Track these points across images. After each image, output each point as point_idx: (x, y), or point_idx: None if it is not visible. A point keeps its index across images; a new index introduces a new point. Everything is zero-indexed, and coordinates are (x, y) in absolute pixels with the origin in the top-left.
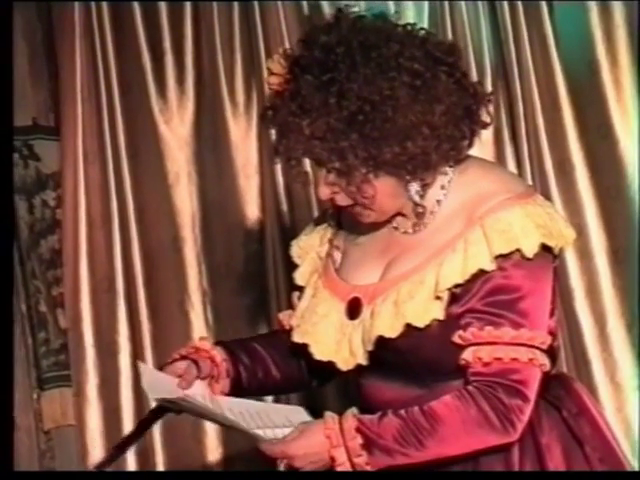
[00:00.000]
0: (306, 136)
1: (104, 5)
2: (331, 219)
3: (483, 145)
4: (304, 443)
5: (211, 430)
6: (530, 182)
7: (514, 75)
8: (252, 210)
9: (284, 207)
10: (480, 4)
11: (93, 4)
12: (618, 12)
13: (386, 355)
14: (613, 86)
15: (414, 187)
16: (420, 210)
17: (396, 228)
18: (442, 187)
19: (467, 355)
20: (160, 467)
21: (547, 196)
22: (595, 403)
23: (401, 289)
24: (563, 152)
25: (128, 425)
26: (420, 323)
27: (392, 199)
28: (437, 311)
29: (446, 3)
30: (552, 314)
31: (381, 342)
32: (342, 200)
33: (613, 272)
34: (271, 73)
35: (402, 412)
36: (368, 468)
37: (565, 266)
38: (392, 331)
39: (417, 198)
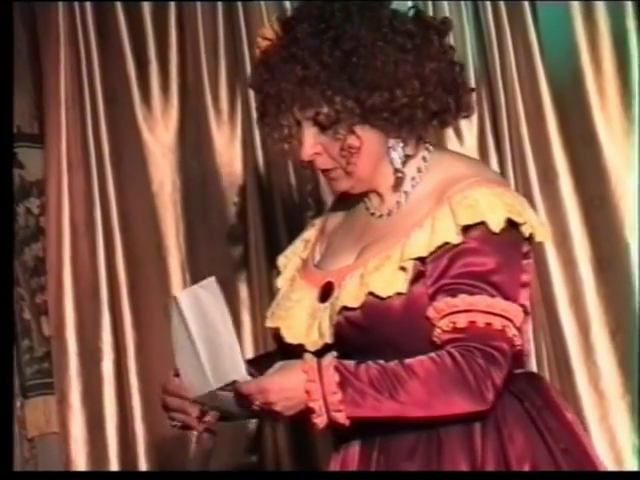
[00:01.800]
0: (298, 79)
1: (88, 13)
2: (316, 225)
3: (467, 152)
4: (280, 378)
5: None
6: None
7: (498, 83)
8: (236, 217)
9: (268, 214)
10: (464, 10)
11: (77, 12)
12: (603, 20)
13: (351, 333)
14: (597, 94)
15: (396, 152)
16: (399, 175)
17: (372, 214)
18: (418, 169)
19: (442, 324)
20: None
21: (531, 204)
22: (563, 400)
23: (368, 264)
24: (547, 160)
25: (112, 433)
26: (383, 293)
27: (373, 160)
28: (401, 283)
29: (430, 8)
30: (526, 313)
31: (345, 316)
32: (323, 162)
33: (597, 280)
34: (263, 38)
35: (380, 362)
36: (341, 408)
37: (549, 274)
38: (355, 301)
39: (398, 162)
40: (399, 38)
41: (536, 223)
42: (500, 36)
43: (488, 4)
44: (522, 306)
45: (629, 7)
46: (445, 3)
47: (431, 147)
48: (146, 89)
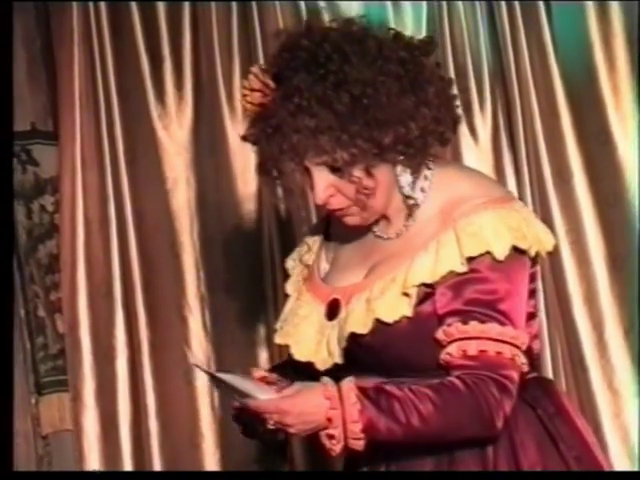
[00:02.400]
0: (310, 130)
1: (103, 11)
2: (320, 229)
3: (481, 152)
4: (301, 402)
5: (208, 434)
6: (528, 189)
7: (512, 81)
8: (250, 215)
9: (283, 213)
10: (478, 9)
11: (92, 10)
12: (617, 18)
13: (360, 353)
14: (612, 92)
15: (404, 178)
16: (411, 202)
17: (379, 236)
18: (422, 189)
19: (451, 349)
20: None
21: (545, 203)
22: (574, 405)
23: (374, 287)
24: (561, 159)
25: (125, 430)
26: (389, 319)
27: (388, 193)
28: (405, 308)
29: (444, 8)
30: (533, 317)
31: (354, 339)
32: (338, 202)
33: (611, 279)
34: (251, 90)
35: (396, 387)
36: (361, 437)
37: (563, 273)
38: (363, 327)
39: (408, 189)
40: (393, 67)
41: (542, 236)
42: (514, 35)
43: (503, 3)
44: (529, 314)
45: None
46: (460, 3)
47: (431, 164)
48: (160, 87)
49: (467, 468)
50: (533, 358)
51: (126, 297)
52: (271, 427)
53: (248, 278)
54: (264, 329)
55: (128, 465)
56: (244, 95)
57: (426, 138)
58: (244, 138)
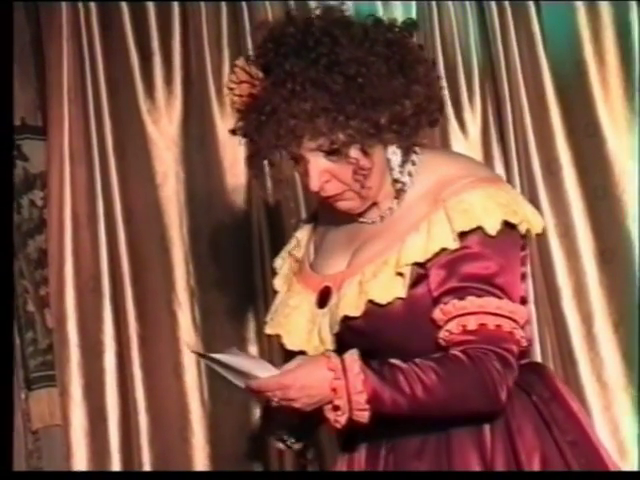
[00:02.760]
0: (307, 113)
1: (92, 6)
2: (309, 224)
3: (471, 146)
4: (304, 374)
5: (198, 429)
6: (517, 182)
7: (502, 75)
8: (240, 209)
9: (272, 206)
10: (468, 5)
11: (81, 5)
12: (606, 12)
13: (352, 338)
14: (601, 86)
15: (395, 161)
16: (400, 186)
17: (363, 221)
18: (409, 173)
19: (450, 326)
20: (146, 466)
21: (534, 196)
22: (568, 390)
23: (366, 271)
24: (550, 152)
25: (113, 425)
26: (382, 300)
27: (382, 175)
28: (399, 289)
29: (434, 3)
30: (524, 302)
31: (346, 324)
32: (333, 188)
33: (600, 272)
34: (238, 82)
35: (398, 361)
36: (366, 407)
37: (552, 266)
38: (356, 310)
39: (397, 171)
40: (381, 49)
41: (531, 216)
42: (504, 29)
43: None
44: (521, 298)
45: None
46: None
47: (418, 149)
48: (150, 81)
49: (465, 454)
50: (526, 344)
51: (114, 292)
52: (275, 404)
53: (237, 272)
54: (254, 323)
55: (116, 460)
56: (231, 89)
57: (420, 116)
58: (233, 132)
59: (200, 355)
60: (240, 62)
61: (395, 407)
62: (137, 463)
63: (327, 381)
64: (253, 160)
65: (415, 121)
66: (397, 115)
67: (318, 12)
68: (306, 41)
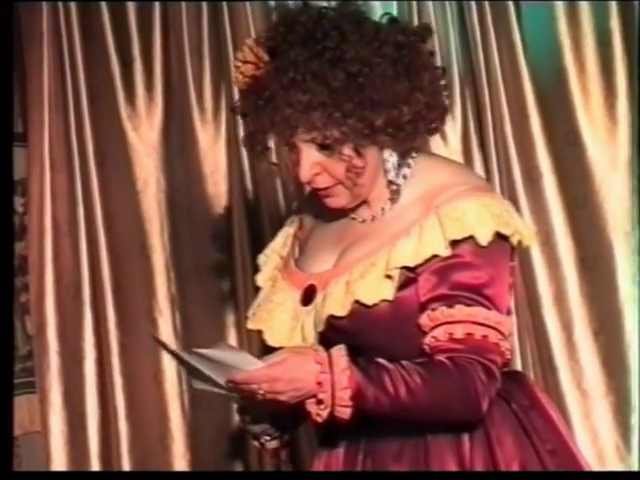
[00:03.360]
0: (304, 105)
1: (73, 11)
2: (294, 220)
3: (451, 152)
4: (292, 367)
5: (178, 436)
6: (498, 190)
7: (482, 82)
8: (220, 216)
9: (252, 213)
10: (448, 10)
11: (61, 10)
12: (586, 20)
13: (336, 338)
14: (581, 94)
15: (390, 163)
16: (395, 188)
17: (354, 218)
18: (404, 176)
19: (437, 333)
20: None
21: (515, 204)
22: (548, 398)
23: (354, 271)
24: (531, 160)
25: (93, 432)
26: (369, 301)
27: (375, 175)
28: (387, 291)
29: (414, 8)
30: (509, 312)
31: (331, 323)
32: (323, 181)
33: (581, 280)
34: (244, 62)
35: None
36: (349, 404)
37: (533, 273)
38: (342, 309)
39: (392, 174)
40: (390, 50)
41: (522, 229)
42: (484, 36)
43: (473, 4)
44: (507, 309)
45: (613, 7)
46: (430, 3)
47: (414, 153)
48: (130, 88)
49: (443, 461)
50: (509, 357)
51: (95, 298)
52: (260, 398)
53: (219, 279)
54: (235, 331)
55: (96, 467)
56: (236, 67)
57: (417, 123)
58: (233, 110)
59: (162, 344)
60: (249, 42)
61: (377, 406)
62: (117, 470)
63: (314, 374)
64: (249, 140)
65: (412, 127)
66: (394, 119)
67: (334, 4)
68: (315, 32)
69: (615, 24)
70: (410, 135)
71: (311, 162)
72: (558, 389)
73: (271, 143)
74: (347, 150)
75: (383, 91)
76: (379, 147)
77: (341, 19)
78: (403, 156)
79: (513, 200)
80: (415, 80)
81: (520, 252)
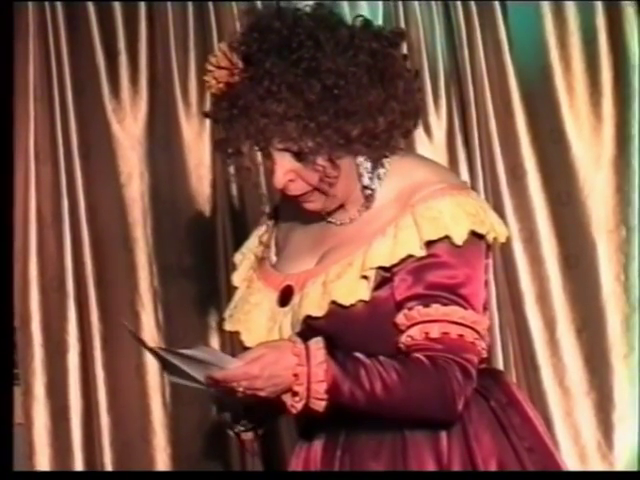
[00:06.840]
0: (279, 115)
1: (58, 4)
2: (268, 220)
3: (436, 149)
4: (270, 363)
5: (159, 429)
6: (482, 187)
7: (468, 80)
8: (204, 210)
9: (236, 208)
10: (434, 8)
11: (47, 3)
12: (572, 18)
13: (313, 338)
14: (566, 91)
15: (365, 168)
16: (369, 192)
17: (331, 222)
18: (378, 177)
19: (413, 332)
20: (108, 466)
21: (499, 201)
22: (525, 396)
23: (330, 271)
24: (515, 157)
25: (76, 424)
26: (346, 301)
27: (349, 182)
28: (363, 291)
29: (400, 7)
30: (485, 309)
31: (308, 324)
32: (297, 188)
33: (564, 277)
34: (218, 67)
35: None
36: (324, 397)
37: (516, 271)
38: (319, 310)
39: (367, 178)
40: (364, 58)
41: (497, 226)
42: (470, 33)
43: (458, 2)
44: (483, 306)
45: (598, 6)
46: (416, 2)
47: (388, 154)
48: (115, 81)
49: (421, 459)
50: (485, 355)
51: (78, 291)
52: (240, 395)
53: (201, 273)
54: (217, 325)
55: (79, 459)
56: (210, 71)
57: (392, 132)
58: (206, 115)
59: (139, 340)
60: (223, 47)
61: (353, 400)
62: (99, 463)
63: (291, 369)
64: (222, 145)
65: (387, 136)
66: (369, 130)
67: (307, 9)
68: (290, 41)
69: (600, 22)
70: (384, 142)
71: (285, 170)
72: (540, 386)
73: (244, 148)
74: (321, 160)
75: (358, 101)
76: (354, 155)
77: (316, 26)
78: (377, 160)
79: (497, 197)
80: (390, 89)
81: (503, 249)
